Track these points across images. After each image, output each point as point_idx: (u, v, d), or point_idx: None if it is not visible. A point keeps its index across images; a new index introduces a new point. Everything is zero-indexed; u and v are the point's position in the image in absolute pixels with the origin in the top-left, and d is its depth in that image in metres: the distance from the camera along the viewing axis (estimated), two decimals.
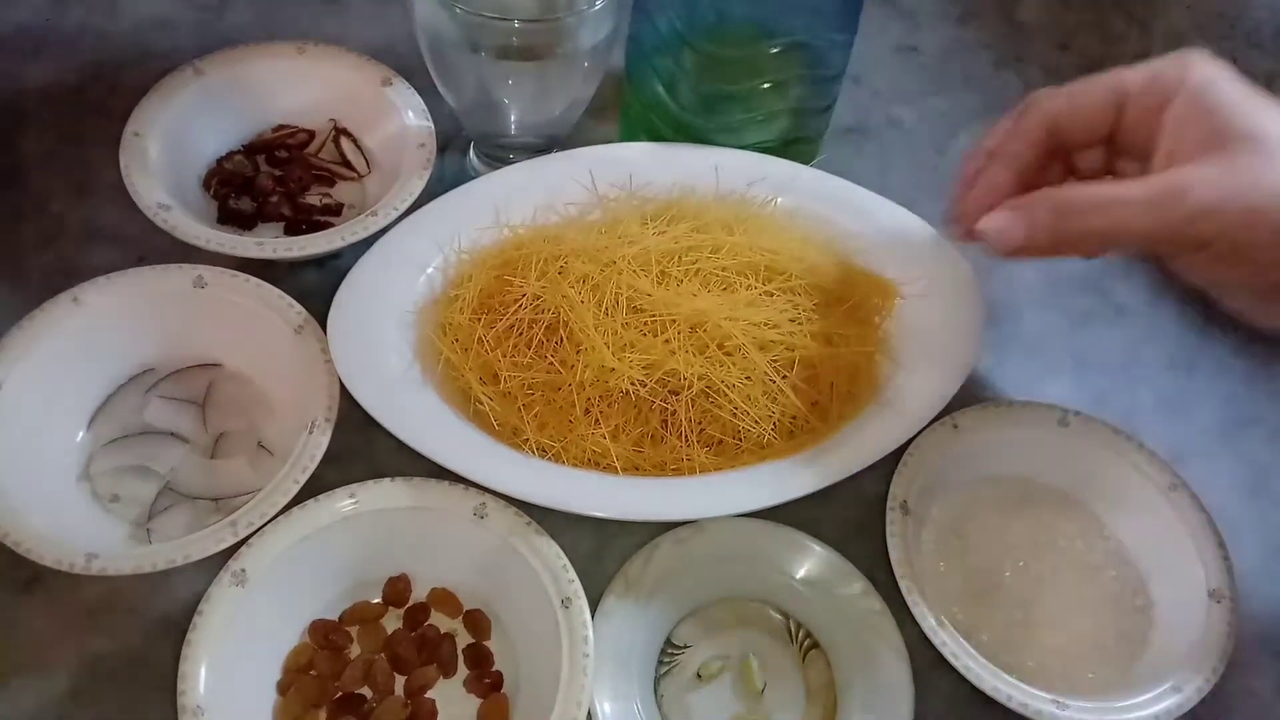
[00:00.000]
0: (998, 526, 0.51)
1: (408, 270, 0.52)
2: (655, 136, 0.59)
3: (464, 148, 0.62)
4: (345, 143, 0.60)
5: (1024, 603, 0.49)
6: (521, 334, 0.50)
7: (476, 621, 0.47)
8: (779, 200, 0.56)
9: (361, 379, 0.48)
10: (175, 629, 0.43)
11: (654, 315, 0.49)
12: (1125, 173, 0.46)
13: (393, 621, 0.47)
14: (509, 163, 0.59)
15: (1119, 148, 0.46)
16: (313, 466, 0.46)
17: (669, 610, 0.47)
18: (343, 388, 0.48)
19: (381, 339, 0.50)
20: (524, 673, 0.45)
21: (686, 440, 0.48)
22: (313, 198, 0.59)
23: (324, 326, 0.49)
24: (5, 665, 0.45)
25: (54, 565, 0.43)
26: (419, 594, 0.47)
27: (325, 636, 0.46)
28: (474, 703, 0.45)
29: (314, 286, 0.53)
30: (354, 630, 0.46)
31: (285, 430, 0.49)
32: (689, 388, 0.48)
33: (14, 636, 0.46)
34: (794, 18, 0.54)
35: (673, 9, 0.54)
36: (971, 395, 0.50)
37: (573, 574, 0.44)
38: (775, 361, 0.49)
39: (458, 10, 0.51)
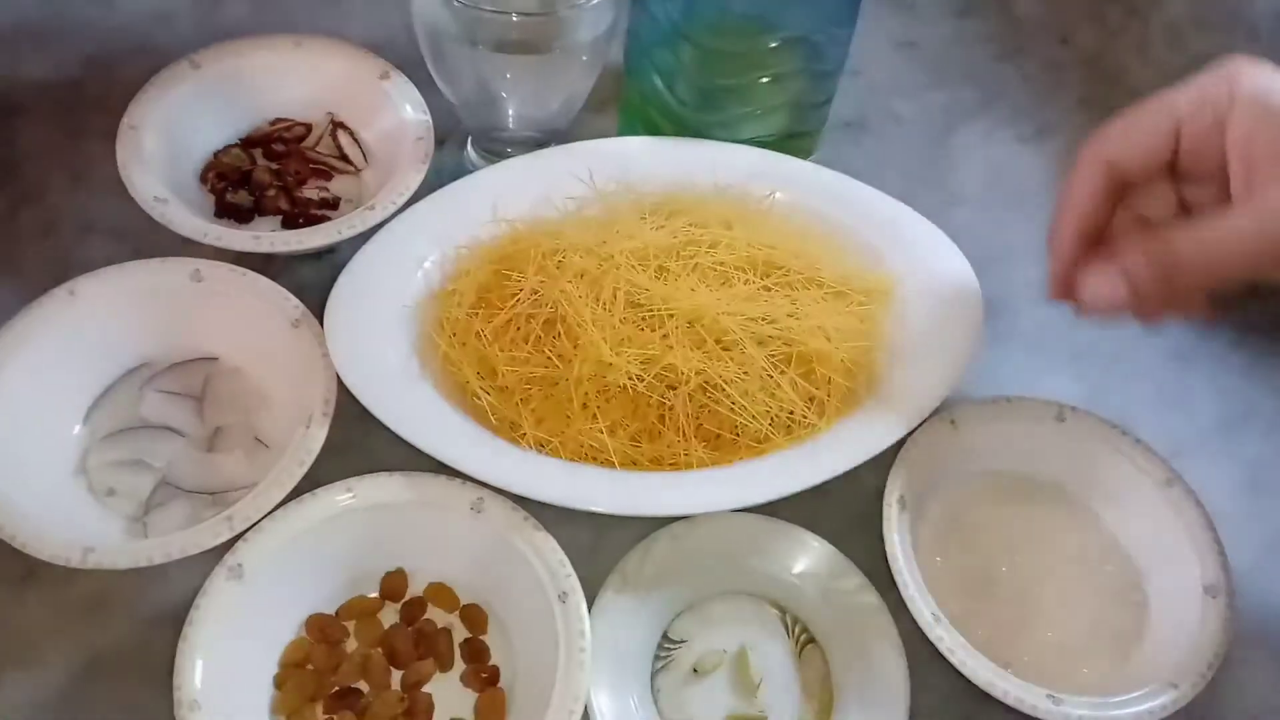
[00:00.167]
0: (995, 522, 0.51)
1: (405, 264, 0.52)
2: (654, 131, 0.59)
3: (462, 142, 0.62)
4: (342, 136, 0.60)
5: (1021, 598, 0.49)
6: (519, 328, 0.50)
7: (473, 616, 0.47)
8: (777, 195, 0.56)
9: (358, 373, 0.48)
10: (172, 623, 0.43)
11: (652, 310, 0.49)
12: (1197, 200, 0.44)
13: (389, 616, 0.47)
14: (507, 157, 0.59)
15: (1183, 174, 0.44)
16: (309, 461, 0.46)
17: (666, 605, 0.47)
18: (340, 382, 0.48)
19: (379, 333, 0.50)
20: (521, 667, 0.45)
21: (684, 435, 0.48)
22: (310, 191, 0.59)
23: (321, 320, 0.49)
24: (1, 659, 0.45)
25: (50, 559, 0.43)
26: (416, 588, 0.47)
27: (322, 631, 0.46)
28: (471, 697, 0.45)
29: (311, 280, 0.53)
30: (351, 624, 0.46)
31: (282, 424, 0.49)
32: (687, 383, 0.48)
33: (10, 630, 0.46)
34: (793, 12, 0.53)
35: (672, 3, 0.53)
36: (969, 390, 0.50)
37: (570, 568, 0.44)
38: (773, 356, 0.49)
39: (456, 3, 0.51)
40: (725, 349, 0.48)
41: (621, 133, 0.63)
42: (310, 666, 0.45)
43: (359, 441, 0.49)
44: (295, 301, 0.51)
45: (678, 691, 0.46)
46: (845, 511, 0.50)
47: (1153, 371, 0.58)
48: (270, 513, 0.45)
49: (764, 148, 0.58)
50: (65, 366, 0.49)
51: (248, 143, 0.60)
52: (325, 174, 0.60)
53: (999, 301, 0.58)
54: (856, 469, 0.47)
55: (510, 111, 0.58)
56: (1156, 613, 0.48)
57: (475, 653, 0.46)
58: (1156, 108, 0.43)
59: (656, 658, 0.47)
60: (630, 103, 0.61)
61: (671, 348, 0.48)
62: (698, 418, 0.48)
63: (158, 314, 0.51)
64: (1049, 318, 0.59)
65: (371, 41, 0.61)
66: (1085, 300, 0.43)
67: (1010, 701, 0.43)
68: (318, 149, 0.60)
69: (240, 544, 0.44)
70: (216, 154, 0.59)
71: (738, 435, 0.48)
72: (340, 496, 0.46)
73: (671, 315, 0.48)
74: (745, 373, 0.48)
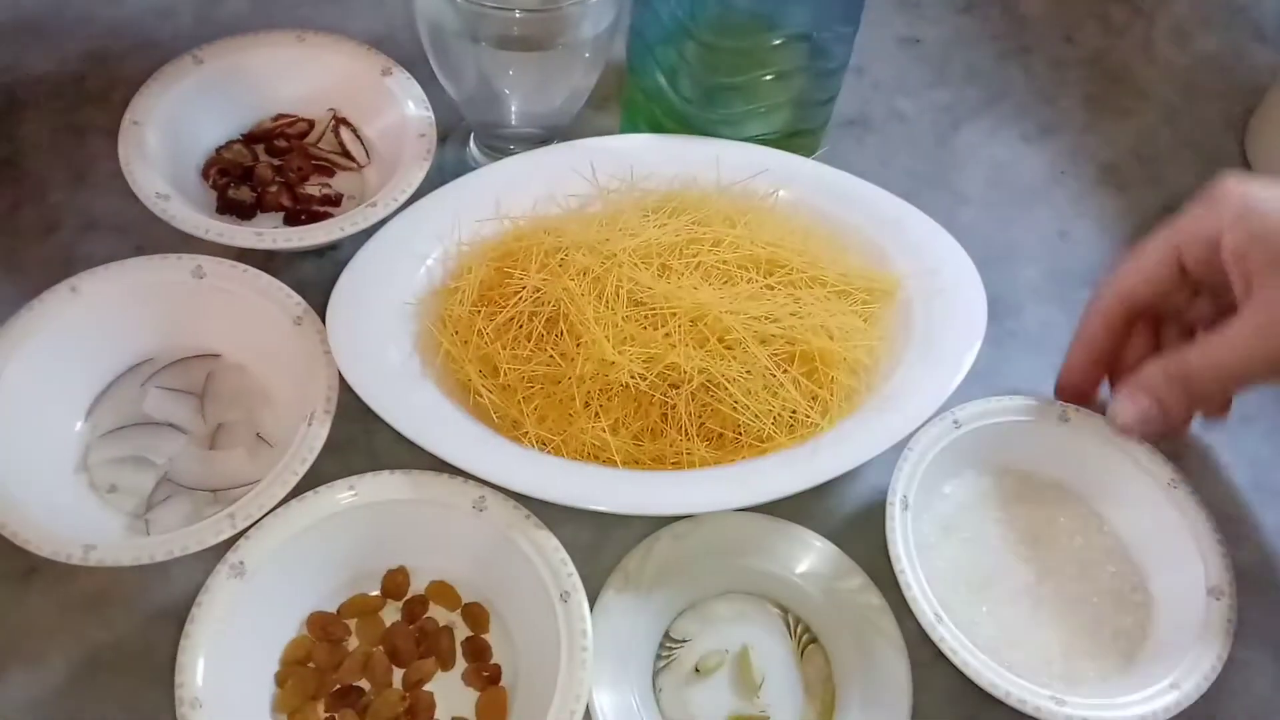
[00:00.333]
0: (998, 522, 0.51)
1: (407, 262, 0.52)
2: (656, 128, 0.59)
3: (464, 138, 0.62)
4: (345, 132, 0.60)
5: (1023, 599, 0.48)
6: (521, 326, 0.50)
7: (475, 614, 0.47)
8: (780, 193, 0.56)
9: (360, 371, 0.48)
10: (173, 620, 0.43)
11: (654, 308, 0.49)
12: (1203, 312, 0.50)
13: (391, 614, 0.47)
14: (509, 153, 0.59)
15: (1206, 290, 0.49)
16: (311, 458, 0.46)
17: (668, 604, 0.47)
18: (342, 379, 0.48)
19: (381, 330, 0.50)
20: (522, 666, 0.45)
21: (686, 434, 0.48)
22: (312, 188, 0.59)
23: (323, 317, 0.49)
24: (2, 656, 0.45)
25: (52, 556, 0.43)
26: (417, 586, 0.47)
27: (323, 628, 0.46)
28: (472, 695, 0.45)
29: (313, 277, 0.53)
30: (352, 623, 0.46)
31: (284, 421, 0.49)
32: (689, 381, 0.47)
33: (11, 627, 0.46)
34: (797, 9, 0.53)
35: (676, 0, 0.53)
36: (972, 390, 0.50)
37: (571, 567, 0.44)
38: (776, 355, 0.49)
39: (458, 0, 0.51)
40: (728, 348, 0.48)
41: (624, 130, 0.62)
42: (312, 664, 0.45)
43: (361, 439, 0.49)
44: (297, 298, 0.51)
45: (679, 691, 0.46)
46: (848, 511, 0.50)
47: None
48: (272, 510, 0.45)
49: (767, 145, 0.57)
50: (67, 363, 0.49)
51: (250, 139, 0.60)
52: (327, 170, 0.60)
53: (1003, 301, 0.58)
54: (859, 468, 0.47)
55: (513, 108, 0.57)
56: (1159, 614, 0.48)
57: (477, 651, 0.46)
58: (1156, 243, 0.49)
59: (658, 657, 0.47)
60: (633, 100, 0.61)
61: (674, 346, 0.48)
62: (700, 416, 0.48)
63: (160, 310, 0.51)
64: (1053, 317, 0.59)
65: (374, 37, 0.61)
66: (1115, 422, 0.49)
67: (1012, 702, 0.43)
68: (320, 145, 0.60)
69: (242, 541, 0.44)
70: (219, 150, 0.59)
71: (740, 434, 0.48)
72: (342, 494, 0.46)
73: (674, 313, 0.48)
74: (748, 371, 0.48)
